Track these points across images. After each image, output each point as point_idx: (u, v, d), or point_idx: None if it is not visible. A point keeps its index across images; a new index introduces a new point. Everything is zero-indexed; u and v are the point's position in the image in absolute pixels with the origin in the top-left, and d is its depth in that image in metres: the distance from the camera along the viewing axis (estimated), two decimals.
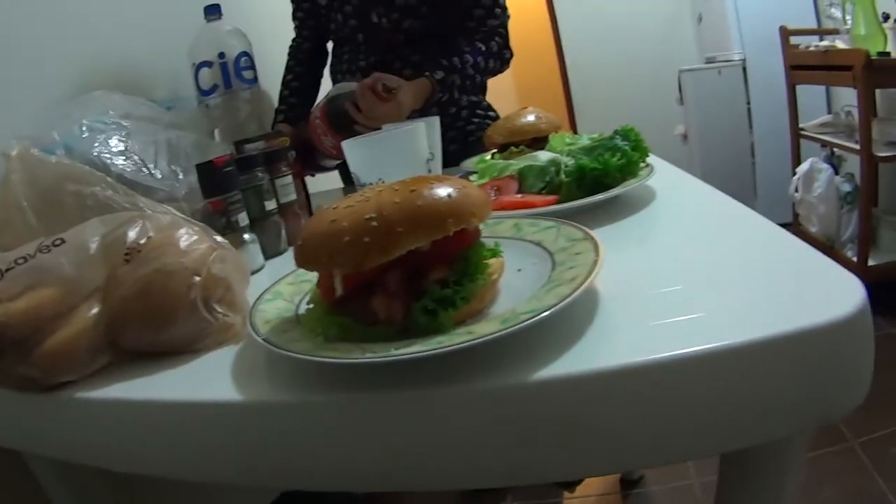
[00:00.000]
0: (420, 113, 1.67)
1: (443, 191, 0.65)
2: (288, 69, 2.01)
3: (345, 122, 1.56)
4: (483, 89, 2.01)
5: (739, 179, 4.17)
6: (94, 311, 0.80)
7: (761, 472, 0.66)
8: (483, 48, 1.77)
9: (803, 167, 3.47)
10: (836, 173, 3.39)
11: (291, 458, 0.66)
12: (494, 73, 1.84)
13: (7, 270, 0.82)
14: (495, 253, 0.70)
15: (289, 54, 2.03)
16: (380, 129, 1.44)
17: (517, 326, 0.56)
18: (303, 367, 0.66)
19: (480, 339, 0.56)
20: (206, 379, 0.73)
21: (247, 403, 0.66)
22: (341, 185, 2.10)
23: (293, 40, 2.02)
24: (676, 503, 2.18)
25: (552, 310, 0.58)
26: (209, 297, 0.80)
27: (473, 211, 0.65)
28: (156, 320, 0.78)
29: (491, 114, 2.00)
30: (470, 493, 2.28)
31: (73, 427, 0.80)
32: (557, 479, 0.75)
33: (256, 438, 0.67)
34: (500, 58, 1.82)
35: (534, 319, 0.57)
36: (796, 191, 3.52)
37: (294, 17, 2.00)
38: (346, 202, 0.67)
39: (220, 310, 0.80)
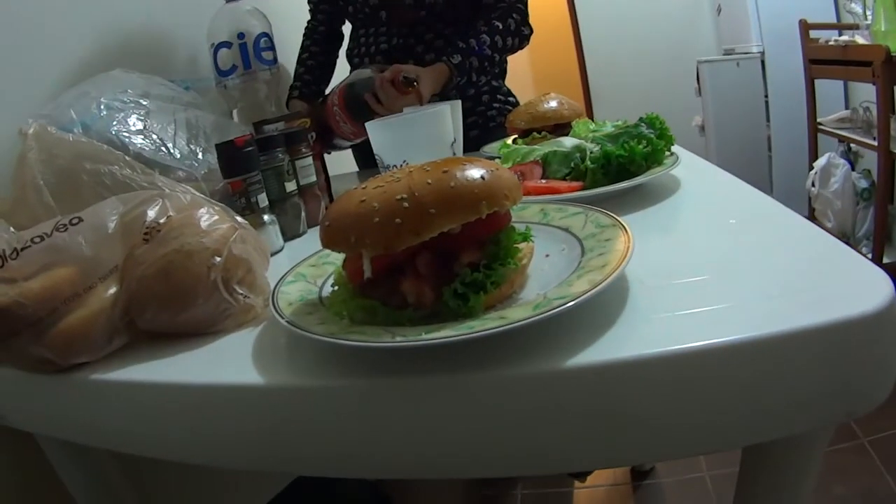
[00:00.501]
0: (439, 97, 1.66)
1: (476, 172, 0.63)
2: (303, 48, 2.00)
3: (365, 111, 1.55)
4: (503, 74, 1.99)
5: (755, 172, 4.14)
6: (112, 291, 0.79)
7: (783, 465, 0.65)
8: (500, 26, 1.74)
9: (820, 162, 3.44)
10: (853, 169, 3.36)
11: (312, 443, 0.65)
12: (513, 50, 1.82)
13: (23, 249, 0.81)
14: (526, 237, 0.69)
15: (304, 35, 2.02)
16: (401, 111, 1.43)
17: (551, 312, 0.55)
18: (326, 351, 0.65)
19: (513, 325, 0.54)
20: (226, 361, 0.72)
21: (268, 387, 0.64)
22: (356, 168, 2.09)
23: (308, 23, 2.01)
24: (687, 495, 2.17)
25: (585, 296, 0.56)
26: (230, 277, 0.78)
27: (506, 193, 0.64)
28: (175, 301, 0.77)
29: (511, 99, 1.99)
30: (481, 479, 2.28)
31: (88, 409, 0.79)
32: (585, 468, 0.74)
33: (277, 423, 0.66)
34: (519, 34, 1.80)
35: (568, 305, 0.55)
36: (813, 185, 3.49)
37: (308, 1, 1.99)
38: (375, 182, 0.65)
39: (240, 291, 0.79)
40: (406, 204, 0.60)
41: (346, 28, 2.03)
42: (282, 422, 0.65)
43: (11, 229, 0.88)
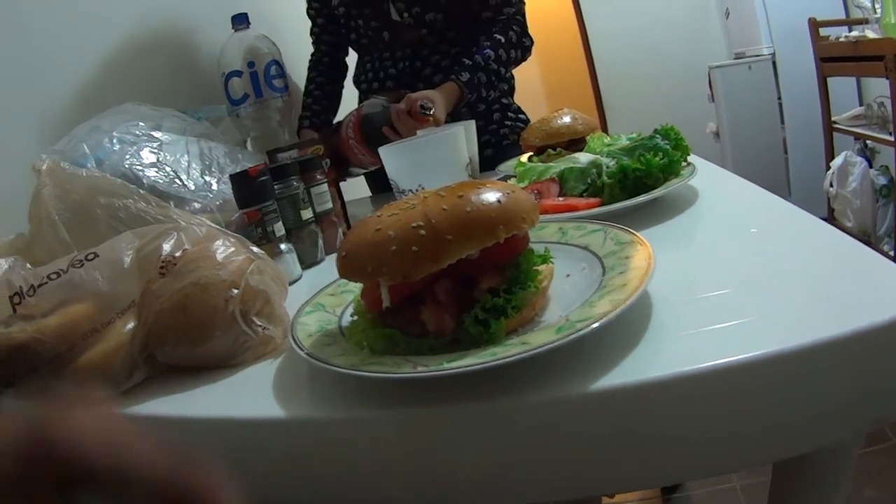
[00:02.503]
0: (451, 114, 1.66)
1: (492, 196, 0.62)
2: (309, 80, 2.00)
3: (382, 142, 1.55)
4: (512, 91, 1.99)
5: (773, 175, 4.12)
6: (130, 326, 0.79)
7: (816, 473, 0.65)
8: (502, 39, 1.75)
9: (837, 161, 3.42)
10: (871, 166, 3.34)
11: (334, 476, 0.64)
12: (517, 62, 1.83)
13: (40, 286, 0.80)
14: (545, 259, 0.68)
15: (309, 67, 2.02)
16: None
17: (574, 335, 0.54)
18: (347, 382, 0.64)
19: (536, 350, 0.53)
20: (246, 394, 0.71)
21: (289, 420, 0.63)
22: (369, 193, 2.09)
23: (312, 55, 2.02)
24: None
25: (608, 317, 0.55)
26: (248, 309, 0.78)
27: (523, 216, 0.63)
28: (193, 334, 0.76)
29: (522, 116, 1.99)
30: None
31: None
32: (616, 491, 0.73)
33: (298, 456, 0.65)
34: (521, 46, 1.80)
35: (591, 328, 0.54)
36: (831, 185, 3.47)
37: (311, 33, 2.00)
38: (390, 210, 0.64)
39: (259, 322, 0.78)
40: (423, 231, 0.59)
41: (350, 58, 2.04)
42: (303, 454, 0.65)
43: (28, 266, 0.88)
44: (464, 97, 1.67)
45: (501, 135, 1.93)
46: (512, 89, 1.99)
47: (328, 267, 1.17)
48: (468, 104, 1.71)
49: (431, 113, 1.52)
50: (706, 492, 2.22)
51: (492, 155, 1.84)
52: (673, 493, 2.23)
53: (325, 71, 1.98)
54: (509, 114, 1.96)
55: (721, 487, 2.18)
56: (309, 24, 1.97)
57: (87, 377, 0.74)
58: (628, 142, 1.14)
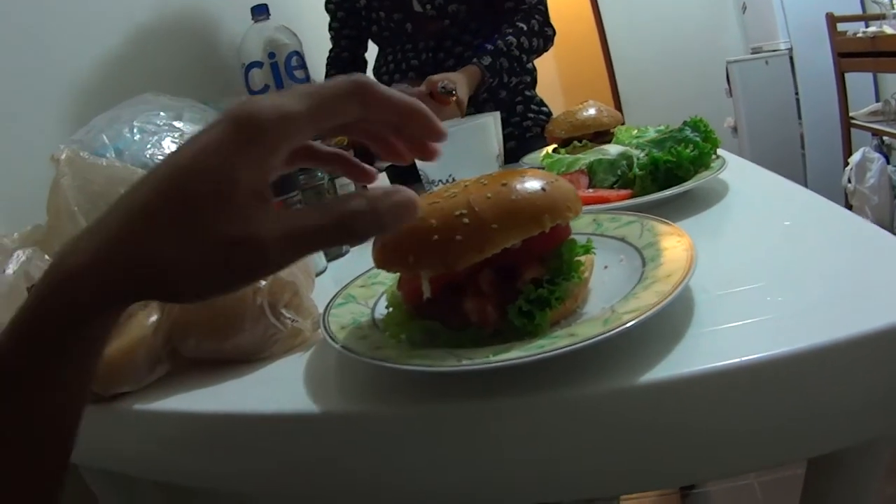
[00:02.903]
0: (472, 100, 1.65)
1: (536, 184, 0.60)
2: (328, 77, 1.98)
3: None
4: (533, 83, 1.98)
5: (790, 172, 4.07)
6: (153, 318, 0.77)
7: (851, 469, 0.63)
8: (524, 27, 1.74)
9: (855, 157, 3.39)
10: (888, 162, 3.31)
11: (367, 472, 0.63)
12: (539, 51, 1.82)
13: None
14: (587, 249, 0.66)
15: (328, 65, 2.00)
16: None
17: (623, 327, 0.52)
18: (379, 376, 0.63)
19: (585, 342, 0.51)
20: (274, 388, 0.69)
21: (320, 414, 0.62)
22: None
23: (330, 51, 2.00)
24: (736, 502, 2.13)
25: (656, 308, 0.54)
26: (276, 301, 0.76)
27: (568, 205, 0.61)
28: (220, 327, 0.74)
29: (544, 108, 1.98)
30: None
31: (131, 440, 0.77)
32: (662, 487, 0.72)
33: (329, 452, 0.64)
34: (543, 35, 1.80)
35: (640, 319, 0.53)
36: (849, 181, 3.44)
37: (329, 28, 1.97)
38: (430, 199, 0.62)
39: (287, 315, 0.76)
40: (466, 220, 0.57)
41: (369, 54, 2.03)
42: (335, 450, 0.63)
43: (46, 257, 0.86)
44: (485, 81, 1.66)
45: (524, 127, 1.92)
46: (534, 81, 1.98)
47: (352, 259, 1.15)
48: (489, 90, 1.70)
49: (454, 94, 1.50)
50: (724, 488, 2.20)
51: (515, 147, 1.83)
52: (692, 488, 2.21)
53: (345, 68, 1.97)
54: (532, 106, 1.94)
55: (739, 484, 2.16)
56: (323, 10, 1.95)
57: (108, 371, 0.72)
58: (657, 134, 1.13)
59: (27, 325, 0.42)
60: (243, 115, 0.43)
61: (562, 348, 0.51)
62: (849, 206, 3.54)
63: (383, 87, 0.49)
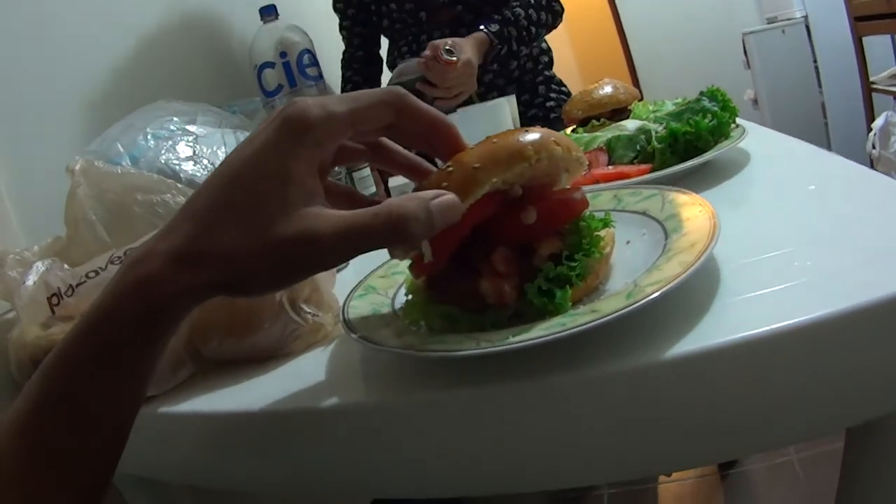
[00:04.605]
0: (482, 69, 1.66)
1: (523, 133, 0.59)
2: (345, 79, 1.99)
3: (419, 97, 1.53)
4: (551, 63, 1.98)
5: (813, 140, 3.96)
6: None
7: (891, 438, 0.59)
8: (531, 1, 1.75)
9: (878, 122, 3.35)
10: None
11: (394, 463, 0.63)
12: (547, 26, 1.82)
13: (78, 285, 0.81)
14: (606, 223, 0.64)
15: (342, 66, 2.00)
16: (458, 99, 1.49)
17: (646, 300, 0.50)
18: (404, 365, 0.62)
19: (608, 318, 0.50)
20: (299, 384, 0.68)
21: (345, 407, 0.61)
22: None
23: (344, 52, 1.99)
24: (777, 481, 2.12)
25: (680, 279, 0.52)
26: (296, 296, 0.75)
27: (555, 140, 0.59)
28: (241, 326, 0.74)
29: (564, 89, 1.98)
30: None
31: (158, 443, 0.77)
32: (694, 465, 0.71)
33: (356, 445, 0.63)
34: (550, 10, 1.81)
35: (664, 290, 0.51)
36: (873, 147, 3.39)
37: (341, 29, 1.97)
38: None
39: (308, 310, 0.76)
40: (451, 169, 0.56)
41: (383, 51, 2.02)
42: (363, 443, 0.62)
43: (66, 266, 0.87)
44: (493, 47, 1.66)
45: (548, 108, 1.92)
46: (551, 61, 1.98)
47: (374, 252, 1.14)
48: (499, 60, 1.71)
49: (457, 57, 1.51)
50: (763, 467, 2.17)
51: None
52: (730, 468, 2.19)
53: (361, 69, 1.96)
54: (553, 86, 1.95)
55: (778, 462, 2.14)
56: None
57: None
58: (674, 106, 1.11)
59: (102, 325, 0.46)
60: (294, 114, 0.48)
61: (584, 325, 0.50)
62: None
63: (417, 100, 0.56)
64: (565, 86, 1.99)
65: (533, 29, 1.74)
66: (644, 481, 2.25)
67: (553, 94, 1.93)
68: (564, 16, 1.87)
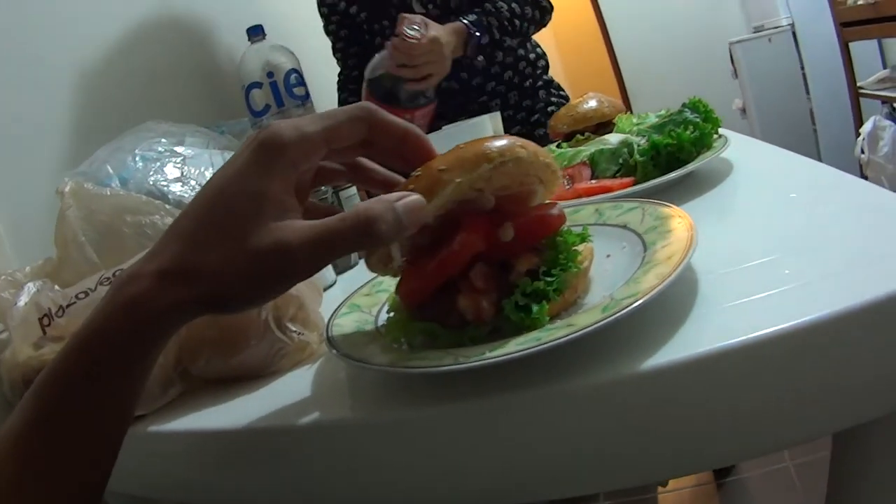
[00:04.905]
0: (478, 105, 1.67)
1: (490, 140, 0.60)
2: (341, 101, 1.98)
3: (394, 89, 1.55)
4: (547, 67, 1.99)
5: (803, 148, 4.01)
6: None
7: (879, 446, 0.60)
8: None
9: (866, 127, 3.37)
10: None
11: (382, 479, 0.63)
12: (534, 21, 1.81)
13: (69, 306, 0.81)
14: (584, 238, 0.65)
15: (339, 88, 2.00)
16: (429, 81, 1.50)
17: (621, 313, 0.51)
18: (389, 382, 0.63)
19: (582, 331, 0.51)
20: (286, 402, 0.69)
21: (331, 424, 0.62)
22: None
23: (339, 74, 1.99)
24: (773, 487, 2.12)
25: (655, 291, 0.53)
26: (281, 315, 0.76)
27: (520, 144, 0.60)
28: (228, 345, 0.75)
29: (563, 93, 1.99)
30: None
31: (148, 461, 0.78)
32: (684, 474, 0.71)
33: (344, 461, 0.63)
34: (537, 5, 1.80)
35: (638, 303, 0.52)
36: (862, 152, 3.41)
37: (335, 52, 1.96)
38: None
39: (293, 328, 0.77)
40: (418, 173, 0.58)
41: None
42: (349, 459, 0.63)
43: (56, 287, 0.88)
44: (472, 35, 1.66)
45: (549, 113, 1.90)
46: (547, 65, 1.99)
47: (362, 271, 1.14)
48: (484, 52, 1.70)
49: (422, 33, 1.51)
50: (759, 474, 2.18)
51: (544, 135, 1.81)
52: (726, 476, 2.20)
53: (357, 89, 1.94)
54: (552, 90, 1.96)
55: (774, 468, 2.14)
56: (320, 28, 1.95)
57: None
58: (657, 119, 1.11)
59: (93, 343, 0.48)
60: (268, 137, 0.51)
61: (558, 339, 0.51)
62: (864, 178, 3.51)
63: (388, 114, 0.58)
64: (563, 90, 2.00)
65: (517, 22, 1.74)
66: (643, 490, 2.25)
67: (554, 99, 1.93)
68: (553, 29, 1.86)
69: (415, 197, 0.53)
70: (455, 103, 1.83)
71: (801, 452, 2.10)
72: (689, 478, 2.25)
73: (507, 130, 1.59)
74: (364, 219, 0.49)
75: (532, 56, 1.93)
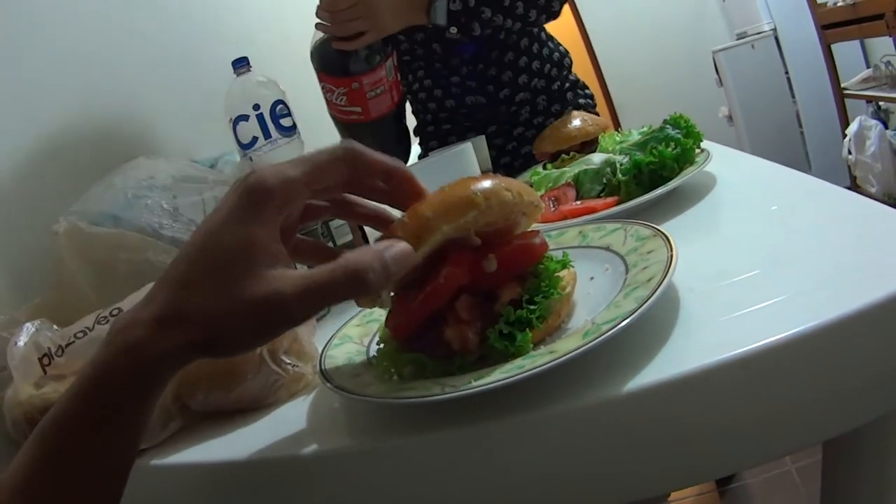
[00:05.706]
0: (440, 32, 1.59)
1: (474, 182, 0.61)
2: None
3: (333, 56, 1.54)
4: (570, 65, 1.92)
5: (791, 151, 4.09)
6: None
7: (867, 449, 0.62)
8: None
9: (852, 127, 3.39)
10: (886, 127, 3.30)
11: (382, 503, 0.64)
12: (540, 8, 1.62)
13: (68, 345, 0.82)
14: (565, 264, 0.67)
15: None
16: (360, 42, 1.47)
17: (601, 338, 0.53)
18: (383, 411, 0.64)
19: (563, 358, 0.52)
20: (283, 433, 0.70)
21: (328, 454, 0.63)
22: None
23: None
24: (776, 492, 2.12)
25: (634, 315, 0.54)
26: (276, 348, 0.78)
27: (506, 186, 0.61)
28: (225, 380, 0.77)
29: (588, 91, 1.93)
30: None
31: (151, 495, 0.78)
32: (665, 490, 0.71)
33: (341, 490, 0.65)
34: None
35: (618, 328, 0.53)
36: (849, 153, 3.43)
37: None
38: None
39: (288, 361, 0.78)
40: (406, 219, 0.59)
41: None
42: (346, 486, 0.64)
43: (55, 327, 0.89)
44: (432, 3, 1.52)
45: (580, 105, 1.87)
46: (571, 62, 1.93)
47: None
48: (450, 12, 1.54)
49: None
50: (762, 479, 2.19)
51: None
52: (728, 484, 2.20)
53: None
54: (578, 91, 1.90)
55: (776, 472, 2.15)
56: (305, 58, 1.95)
57: None
58: (640, 136, 1.13)
59: (94, 389, 0.49)
60: (252, 184, 0.52)
61: (539, 367, 0.52)
62: (853, 178, 3.54)
63: (370, 152, 0.58)
64: (588, 88, 1.93)
65: (520, 4, 1.58)
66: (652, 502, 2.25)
67: (581, 101, 1.87)
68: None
69: (402, 245, 0.54)
70: (483, 116, 1.81)
71: (802, 455, 2.11)
72: (691, 488, 2.25)
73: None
74: (353, 270, 0.51)
75: (556, 56, 1.86)
